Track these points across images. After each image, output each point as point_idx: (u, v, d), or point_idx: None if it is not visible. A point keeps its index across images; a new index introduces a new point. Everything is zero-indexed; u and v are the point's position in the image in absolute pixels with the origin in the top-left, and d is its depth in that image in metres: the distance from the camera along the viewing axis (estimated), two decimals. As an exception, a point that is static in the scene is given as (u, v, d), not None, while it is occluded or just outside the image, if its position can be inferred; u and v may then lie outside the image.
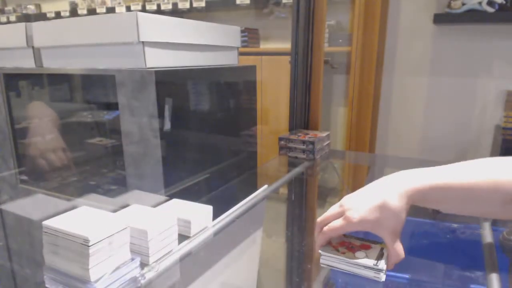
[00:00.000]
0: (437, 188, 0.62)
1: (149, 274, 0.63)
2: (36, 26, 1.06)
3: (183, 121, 0.99)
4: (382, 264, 0.61)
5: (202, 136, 1.08)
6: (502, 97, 2.10)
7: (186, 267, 0.69)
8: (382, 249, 0.66)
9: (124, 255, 0.61)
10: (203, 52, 1.10)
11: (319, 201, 1.18)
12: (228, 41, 1.19)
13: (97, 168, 1.28)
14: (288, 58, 1.59)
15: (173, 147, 0.94)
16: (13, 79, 1.21)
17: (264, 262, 0.79)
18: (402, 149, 2.42)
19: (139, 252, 0.64)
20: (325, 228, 0.65)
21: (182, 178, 1.00)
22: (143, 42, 0.88)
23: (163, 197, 0.88)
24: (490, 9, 1.91)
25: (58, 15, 3.74)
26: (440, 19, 2.07)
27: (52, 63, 1.07)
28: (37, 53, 1.10)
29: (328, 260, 0.65)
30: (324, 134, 1.46)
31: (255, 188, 1.05)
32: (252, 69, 1.29)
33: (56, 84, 1.26)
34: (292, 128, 1.57)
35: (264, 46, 2.88)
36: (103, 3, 3.44)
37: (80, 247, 0.55)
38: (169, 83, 0.93)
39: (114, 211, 0.69)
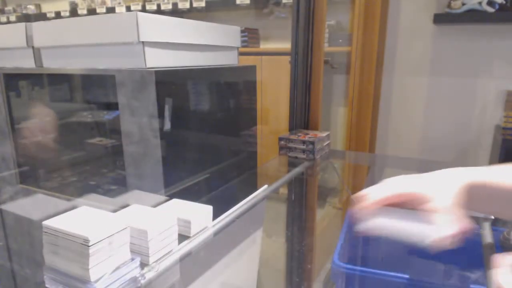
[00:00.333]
0: (486, 186, 0.61)
1: (149, 274, 0.63)
2: (36, 26, 1.06)
3: (183, 121, 0.99)
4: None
5: (202, 136, 1.08)
6: (502, 97, 2.10)
7: (186, 267, 0.69)
8: None
9: (124, 255, 0.61)
10: (203, 52, 1.10)
11: (319, 201, 1.18)
12: (228, 41, 1.19)
13: (97, 168, 1.28)
14: (288, 58, 1.59)
15: (173, 147, 0.94)
16: (13, 79, 1.21)
17: (264, 262, 0.79)
18: (402, 149, 2.42)
19: (139, 252, 0.64)
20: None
21: (182, 178, 1.00)
22: (143, 42, 0.88)
23: (163, 197, 0.88)
24: (490, 9, 1.91)
25: (58, 15, 3.74)
26: (440, 19, 2.07)
27: (52, 63, 1.07)
28: (37, 53, 1.10)
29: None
30: (324, 134, 1.46)
31: (255, 188, 1.05)
32: (252, 69, 1.29)
33: (56, 84, 1.26)
34: (292, 128, 1.57)
35: (264, 46, 2.88)
36: (103, 3, 3.44)
37: (80, 247, 0.55)
38: (169, 83, 0.93)
39: (114, 211, 0.69)
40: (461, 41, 2.14)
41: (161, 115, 0.89)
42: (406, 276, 0.69)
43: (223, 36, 1.17)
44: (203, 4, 2.89)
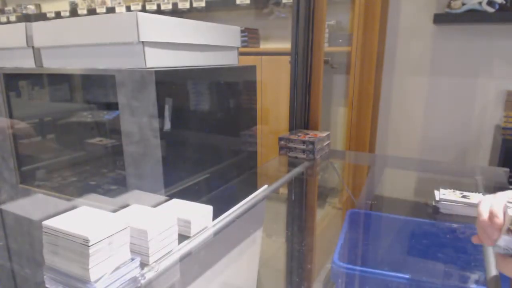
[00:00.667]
0: None
1: (149, 274, 0.63)
2: (36, 26, 1.06)
3: (183, 121, 0.99)
4: None
5: (202, 136, 1.08)
6: (502, 97, 2.10)
7: (186, 267, 0.69)
8: None
9: (124, 255, 0.61)
10: (203, 52, 1.10)
11: (319, 201, 1.18)
12: (228, 41, 1.19)
13: (97, 168, 1.28)
14: (288, 58, 1.59)
15: (173, 147, 0.94)
16: (13, 79, 1.21)
17: (264, 262, 0.79)
18: (402, 149, 2.42)
19: (139, 252, 0.64)
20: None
21: (182, 178, 1.00)
22: (143, 42, 0.88)
23: (163, 197, 0.88)
24: (490, 9, 1.91)
25: (58, 15, 3.74)
26: (440, 19, 2.07)
27: (52, 63, 1.07)
28: (37, 53, 1.10)
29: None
30: (324, 134, 1.46)
31: (255, 188, 1.05)
32: (252, 69, 1.29)
33: (56, 84, 1.26)
34: (292, 128, 1.57)
35: (264, 46, 2.88)
36: (103, 3, 3.44)
37: (80, 247, 0.55)
38: (169, 83, 0.93)
39: (114, 211, 0.69)
40: (461, 41, 2.14)
41: (161, 115, 0.89)
42: (406, 276, 0.69)
43: (223, 36, 1.17)
44: (203, 4, 2.89)
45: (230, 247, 0.79)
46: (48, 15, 3.83)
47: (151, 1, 3.15)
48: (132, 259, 0.62)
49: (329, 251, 0.81)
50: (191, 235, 0.74)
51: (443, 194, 1.00)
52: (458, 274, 0.71)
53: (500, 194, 0.62)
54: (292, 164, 1.34)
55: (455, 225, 0.90)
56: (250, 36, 2.74)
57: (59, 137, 1.36)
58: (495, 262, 0.59)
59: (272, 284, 0.74)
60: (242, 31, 2.56)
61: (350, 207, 1.12)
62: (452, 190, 1.03)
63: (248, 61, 1.43)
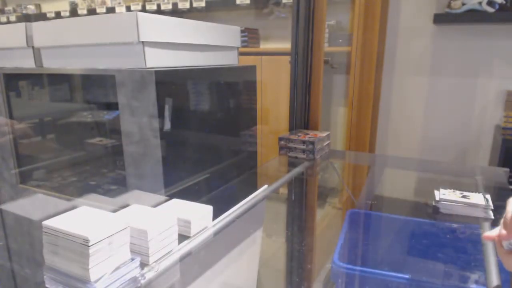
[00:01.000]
0: None
1: (149, 274, 0.63)
2: (36, 26, 1.06)
3: (183, 121, 0.99)
4: None
5: (202, 136, 1.08)
6: (502, 97, 2.10)
7: (186, 267, 0.69)
8: None
9: (124, 255, 0.61)
10: (203, 52, 1.10)
11: (319, 201, 1.18)
12: (228, 41, 1.19)
13: (97, 168, 1.28)
14: (288, 58, 1.59)
15: (173, 147, 0.94)
16: (13, 79, 1.21)
17: (264, 262, 0.79)
18: (402, 149, 2.42)
19: (139, 252, 0.64)
20: None
21: (182, 178, 1.00)
22: (143, 42, 0.88)
23: (163, 197, 0.88)
24: (490, 9, 1.91)
25: (58, 15, 3.74)
26: (440, 19, 2.07)
27: (52, 63, 1.07)
28: (37, 53, 1.10)
29: None
30: (324, 134, 1.46)
31: (255, 188, 1.05)
32: (252, 69, 1.29)
33: (56, 84, 1.26)
34: (292, 128, 1.57)
35: (264, 46, 2.88)
36: (103, 3, 3.44)
37: (80, 247, 0.55)
38: (169, 83, 0.93)
39: (114, 211, 0.69)
40: (461, 41, 2.14)
41: (161, 115, 0.89)
42: (406, 276, 0.69)
43: (223, 36, 1.17)
44: (203, 4, 2.89)
45: (230, 247, 0.79)
46: (48, 15, 3.83)
47: (151, 1, 3.15)
48: (132, 259, 0.62)
49: (329, 251, 0.81)
50: (191, 235, 0.74)
51: (443, 194, 1.00)
52: (458, 274, 0.71)
53: None
54: (292, 164, 1.34)
55: (455, 225, 0.90)
56: (250, 36, 2.74)
57: (59, 137, 1.36)
58: (504, 260, 0.59)
59: (272, 284, 0.74)
60: (242, 31, 2.56)
61: (350, 207, 1.12)
62: (452, 190, 1.03)
63: (248, 61, 1.43)
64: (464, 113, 2.21)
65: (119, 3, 3.35)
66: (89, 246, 0.54)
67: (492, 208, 0.93)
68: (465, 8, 1.96)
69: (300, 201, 1.17)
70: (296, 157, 1.38)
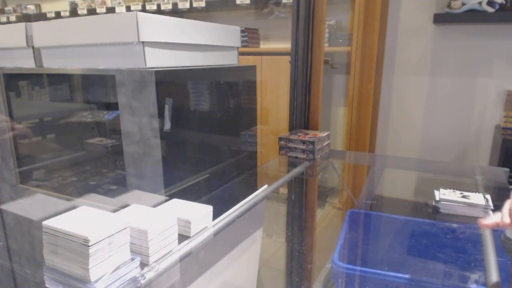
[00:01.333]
0: None
1: (149, 274, 0.63)
2: (36, 26, 1.06)
3: (183, 121, 0.99)
4: None
5: (202, 136, 1.08)
6: (502, 97, 2.10)
7: (186, 267, 0.69)
8: None
9: (124, 255, 0.61)
10: (203, 52, 1.10)
11: (319, 201, 1.18)
12: (228, 41, 1.19)
13: (97, 168, 1.28)
14: (288, 58, 1.59)
15: (173, 147, 0.94)
16: (13, 79, 1.21)
17: (264, 262, 0.79)
18: (402, 149, 2.42)
19: (139, 252, 0.64)
20: None
21: (182, 178, 1.00)
22: (143, 42, 0.88)
23: (163, 197, 0.88)
24: (490, 9, 1.91)
25: (58, 15, 3.74)
26: (440, 19, 2.07)
27: (52, 63, 1.07)
28: (37, 53, 1.10)
29: None
30: (324, 134, 1.46)
31: (255, 188, 1.05)
32: (252, 69, 1.29)
33: (56, 84, 1.26)
34: (292, 128, 1.57)
35: (264, 46, 2.88)
36: (103, 3, 3.44)
37: (80, 247, 0.55)
38: (169, 83, 0.93)
39: (114, 211, 0.69)
40: (461, 41, 2.14)
41: (161, 115, 0.89)
42: (406, 276, 0.69)
43: (223, 36, 1.17)
44: (203, 4, 2.89)
45: (230, 247, 0.79)
46: (48, 15, 3.83)
47: (151, 1, 3.15)
48: (132, 259, 0.62)
49: (329, 251, 0.81)
50: (191, 235, 0.74)
51: (443, 194, 1.00)
52: (458, 274, 0.71)
53: None
54: (292, 164, 1.34)
55: (455, 225, 0.90)
56: (250, 36, 2.74)
57: (59, 137, 1.36)
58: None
59: (272, 284, 0.74)
60: (242, 31, 2.56)
61: (350, 207, 1.12)
62: (452, 190, 1.03)
63: (248, 61, 1.43)
64: (464, 113, 2.21)
65: (119, 3, 3.35)
66: (89, 246, 0.54)
67: (492, 208, 0.93)
68: (465, 8, 1.96)
69: (300, 201, 1.17)
70: (296, 157, 1.38)
